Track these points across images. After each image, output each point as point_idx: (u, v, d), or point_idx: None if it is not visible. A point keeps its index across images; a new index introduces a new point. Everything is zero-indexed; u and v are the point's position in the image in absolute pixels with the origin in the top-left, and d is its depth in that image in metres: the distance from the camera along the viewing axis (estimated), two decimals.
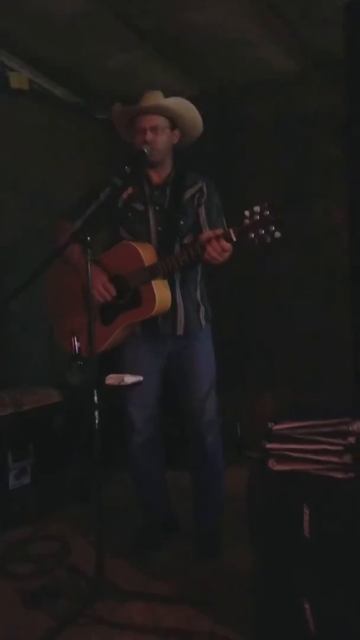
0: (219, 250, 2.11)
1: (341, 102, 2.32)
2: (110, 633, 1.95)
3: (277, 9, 2.86)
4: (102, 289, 2.32)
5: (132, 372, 2.39)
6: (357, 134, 2.30)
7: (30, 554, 2.52)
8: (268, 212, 2.01)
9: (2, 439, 2.91)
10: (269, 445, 1.81)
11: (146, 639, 1.92)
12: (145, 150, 2.29)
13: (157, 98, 2.33)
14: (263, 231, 2.01)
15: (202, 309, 2.47)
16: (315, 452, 1.74)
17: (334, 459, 1.71)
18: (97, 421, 2.08)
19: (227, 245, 2.11)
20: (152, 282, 2.27)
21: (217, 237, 2.11)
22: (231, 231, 2.10)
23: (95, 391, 2.08)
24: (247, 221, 2.04)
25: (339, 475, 1.70)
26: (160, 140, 2.32)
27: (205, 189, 2.41)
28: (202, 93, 3.59)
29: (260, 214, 2.02)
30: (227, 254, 2.14)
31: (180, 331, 2.41)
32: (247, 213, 2.04)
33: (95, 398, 2.08)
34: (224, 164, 3.45)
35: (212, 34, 3.03)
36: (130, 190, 2.39)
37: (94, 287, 2.28)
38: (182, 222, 2.37)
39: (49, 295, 2.60)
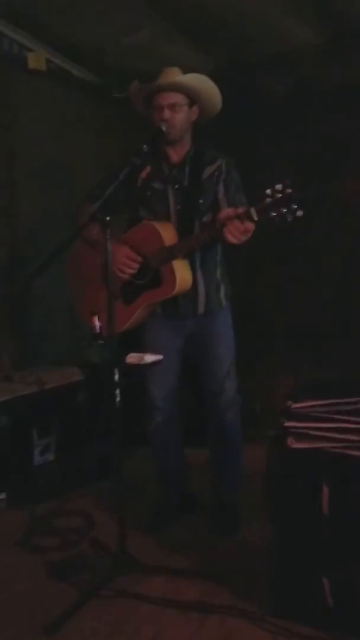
0: (242, 230, 2.08)
1: None
2: (132, 605, 2.00)
3: None
4: (126, 259, 2.33)
5: (153, 352, 2.40)
6: None
7: (55, 528, 2.58)
8: (290, 190, 1.98)
9: (27, 416, 2.98)
10: (287, 424, 1.82)
11: (167, 612, 1.97)
12: (163, 129, 2.27)
13: (174, 75, 2.29)
14: (285, 210, 1.98)
15: (222, 287, 2.47)
16: (334, 430, 1.75)
17: (353, 437, 1.72)
18: (117, 399, 2.11)
19: (250, 225, 2.08)
20: (173, 262, 2.27)
21: (239, 217, 2.08)
22: (252, 210, 2.06)
23: (115, 370, 2.11)
24: (268, 199, 2.01)
25: (358, 453, 1.70)
26: (178, 117, 2.30)
27: (224, 167, 2.38)
28: (222, 68, 3.53)
29: (283, 192, 1.98)
30: (249, 234, 2.11)
31: (201, 310, 2.42)
32: (268, 191, 2.01)
33: (116, 376, 2.11)
34: (243, 140, 3.40)
35: (232, 6, 2.96)
36: (148, 169, 2.38)
37: (117, 261, 2.30)
38: (201, 201, 2.36)
39: (70, 275, 2.62)
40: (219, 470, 2.56)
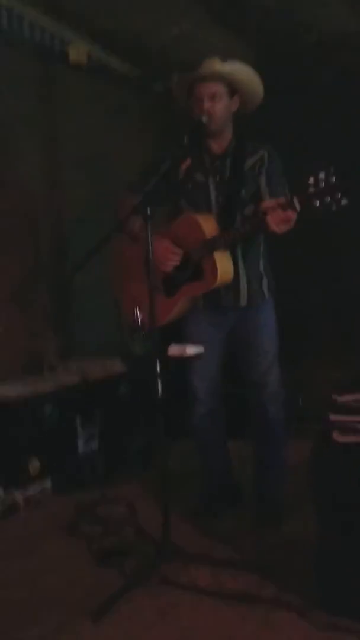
0: (283, 218, 2.06)
1: None
2: (176, 594, 2.02)
3: None
4: (168, 253, 2.33)
5: (195, 344, 2.41)
6: None
7: (100, 516, 2.62)
8: (334, 179, 1.94)
9: (71, 406, 3.03)
10: (333, 417, 1.80)
11: (210, 602, 1.98)
12: (204, 120, 2.26)
13: (215, 64, 2.27)
14: (329, 198, 1.94)
15: (265, 280, 2.45)
16: None
17: None
18: (160, 391, 2.12)
19: (291, 214, 2.05)
20: (214, 254, 2.26)
21: (281, 206, 2.06)
22: (295, 199, 2.03)
23: (157, 361, 2.12)
24: (312, 189, 1.98)
25: None
26: (218, 107, 2.28)
27: (266, 158, 2.36)
28: (265, 58, 3.48)
29: (326, 180, 1.95)
30: (291, 223, 2.09)
31: (243, 302, 2.41)
32: (311, 180, 1.97)
33: (158, 368, 2.12)
34: (287, 129, 3.35)
35: None
36: (189, 161, 2.37)
37: (158, 254, 2.30)
38: (243, 192, 2.34)
39: (114, 268, 2.64)
40: (262, 463, 2.56)
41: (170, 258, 2.35)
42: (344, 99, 3.35)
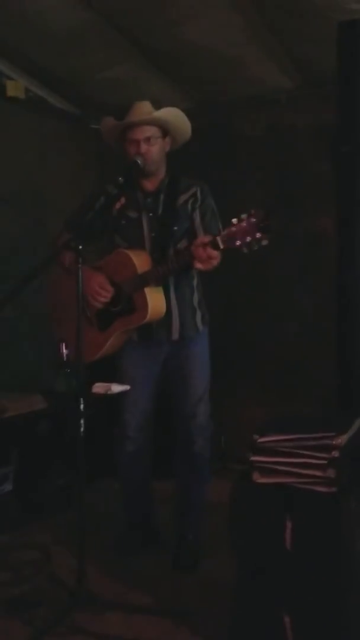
0: (205, 257, 2.13)
1: (332, 119, 2.36)
2: None
3: (272, 27, 2.90)
4: (99, 288, 2.34)
5: (128, 379, 2.40)
6: (345, 151, 2.35)
7: (10, 562, 2.49)
8: (254, 220, 2.03)
9: None
10: (253, 458, 1.82)
11: None
12: (139, 162, 2.31)
13: (147, 109, 2.35)
14: (249, 238, 2.04)
15: (198, 313, 2.49)
16: (299, 465, 1.75)
17: (318, 473, 1.72)
18: (82, 429, 2.07)
19: (214, 253, 2.13)
20: (145, 289, 2.29)
21: (204, 245, 2.13)
22: (218, 238, 2.12)
23: (81, 399, 2.08)
24: (233, 228, 2.07)
25: (322, 489, 1.71)
26: (154, 150, 2.35)
27: (199, 194, 2.43)
28: (195, 106, 3.63)
29: (247, 220, 2.04)
30: (214, 262, 2.16)
31: (175, 336, 2.43)
32: (234, 220, 2.07)
33: (82, 406, 2.08)
34: (214, 176, 3.47)
35: (206, 49, 3.06)
36: (123, 200, 2.41)
37: (90, 289, 2.32)
38: (175, 228, 2.40)
39: (49, 302, 2.63)
40: (183, 501, 2.53)
41: (101, 294, 2.35)
42: (272, 149, 3.53)
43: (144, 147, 2.32)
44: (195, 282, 2.49)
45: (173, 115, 2.37)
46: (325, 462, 1.70)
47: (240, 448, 1.95)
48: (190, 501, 2.52)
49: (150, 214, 2.42)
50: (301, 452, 1.76)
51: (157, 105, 2.36)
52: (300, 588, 1.73)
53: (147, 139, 2.32)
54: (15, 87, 3.45)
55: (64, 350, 2.36)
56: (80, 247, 2.07)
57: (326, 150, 2.47)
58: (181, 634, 1.98)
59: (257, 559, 1.80)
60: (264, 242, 2.03)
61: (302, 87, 3.44)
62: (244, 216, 2.05)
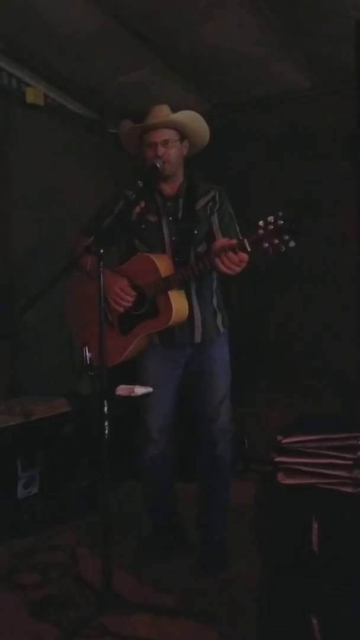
0: (236, 261, 2.13)
1: (352, 118, 2.34)
2: None
3: (289, 26, 2.89)
4: (121, 292, 2.35)
5: (151, 382, 2.41)
6: None
7: (37, 564, 2.52)
8: (282, 222, 2.01)
9: (12, 448, 2.92)
10: (278, 459, 1.81)
11: None
12: (158, 165, 2.32)
13: (165, 112, 2.36)
14: (277, 240, 2.02)
15: (219, 315, 2.49)
16: (324, 466, 1.74)
17: (344, 473, 1.71)
18: (106, 431, 2.09)
19: (244, 256, 2.12)
20: (169, 292, 2.30)
21: (232, 248, 2.12)
22: (245, 241, 2.10)
23: (105, 401, 2.10)
24: (261, 231, 2.05)
25: (349, 489, 1.70)
26: (172, 153, 2.36)
27: (217, 198, 2.44)
28: (214, 107, 3.63)
29: (275, 223, 2.02)
30: (243, 264, 2.16)
31: (197, 339, 2.43)
32: (261, 223, 2.05)
33: (105, 408, 2.10)
34: (235, 178, 3.47)
35: (224, 49, 3.07)
36: (142, 204, 2.42)
37: (112, 293, 2.33)
38: (195, 231, 2.40)
39: (68, 306, 2.64)
40: (207, 503, 2.53)
41: (124, 298, 2.36)
42: (291, 149, 3.51)
43: (161, 149, 2.33)
44: (215, 284, 2.50)
45: (190, 118, 2.38)
46: (351, 462, 1.69)
47: (263, 449, 1.94)
48: (214, 503, 2.52)
49: (170, 218, 2.42)
50: (326, 452, 1.74)
51: (176, 110, 2.37)
52: (327, 589, 1.72)
53: (165, 142, 2.33)
54: (34, 94, 3.49)
55: (87, 354, 2.38)
56: (102, 251, 2.09)
57: (346, 148, 2.44)
58: (208, 636, 1.98)
59: (284, 560, 1.79)
60: (292, 244, 2.01)
61: (321, 86, 3.43)
62: (271, 218, 2.03)
